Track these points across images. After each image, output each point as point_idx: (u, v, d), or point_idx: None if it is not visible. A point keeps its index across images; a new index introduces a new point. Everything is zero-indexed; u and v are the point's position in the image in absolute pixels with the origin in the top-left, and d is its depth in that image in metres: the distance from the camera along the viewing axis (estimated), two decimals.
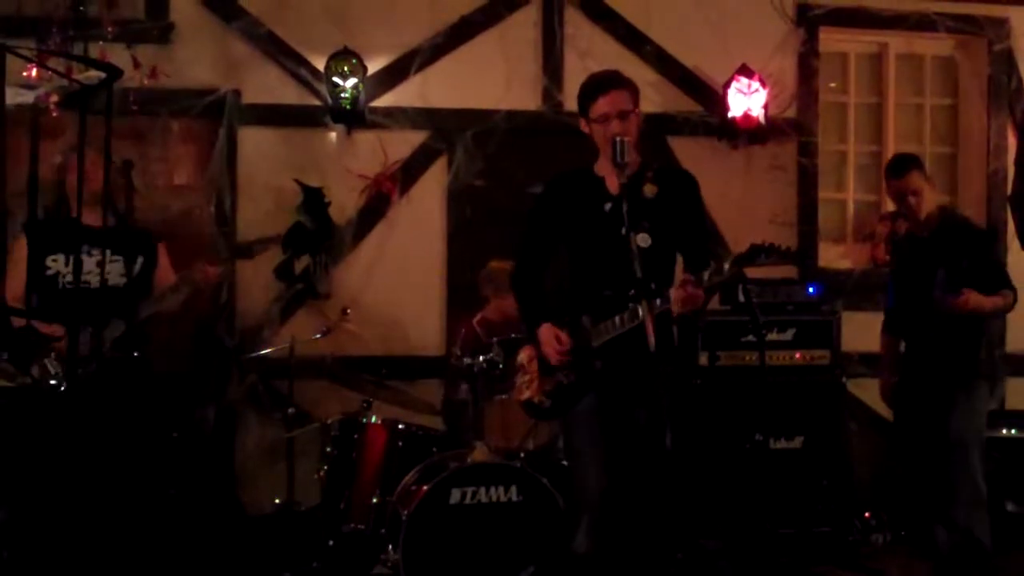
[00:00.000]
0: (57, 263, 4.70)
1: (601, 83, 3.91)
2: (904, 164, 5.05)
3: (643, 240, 3.57)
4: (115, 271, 4.72)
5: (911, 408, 5.03)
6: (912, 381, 5.04)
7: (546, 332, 3.91)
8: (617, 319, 3.77)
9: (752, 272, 5.92)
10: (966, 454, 4.81)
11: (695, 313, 3.74)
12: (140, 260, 4.85)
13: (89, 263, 4.65)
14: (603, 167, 3.97)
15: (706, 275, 3.67)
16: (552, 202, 4.05)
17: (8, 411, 4.36)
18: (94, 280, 4.58)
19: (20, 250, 4.70)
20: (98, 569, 4.10)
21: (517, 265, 4.18)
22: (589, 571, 3.87)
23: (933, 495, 4.89)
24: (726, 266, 3.66)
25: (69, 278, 4.64)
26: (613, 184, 3.90)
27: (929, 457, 4.89)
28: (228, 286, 6.17)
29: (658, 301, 3.65)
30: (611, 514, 3.87)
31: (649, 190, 3.67)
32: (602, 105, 3.85)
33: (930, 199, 5.01)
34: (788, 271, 6.52)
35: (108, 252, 4.61)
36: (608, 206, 3.88)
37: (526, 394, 4.04)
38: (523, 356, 4.11)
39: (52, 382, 4.40)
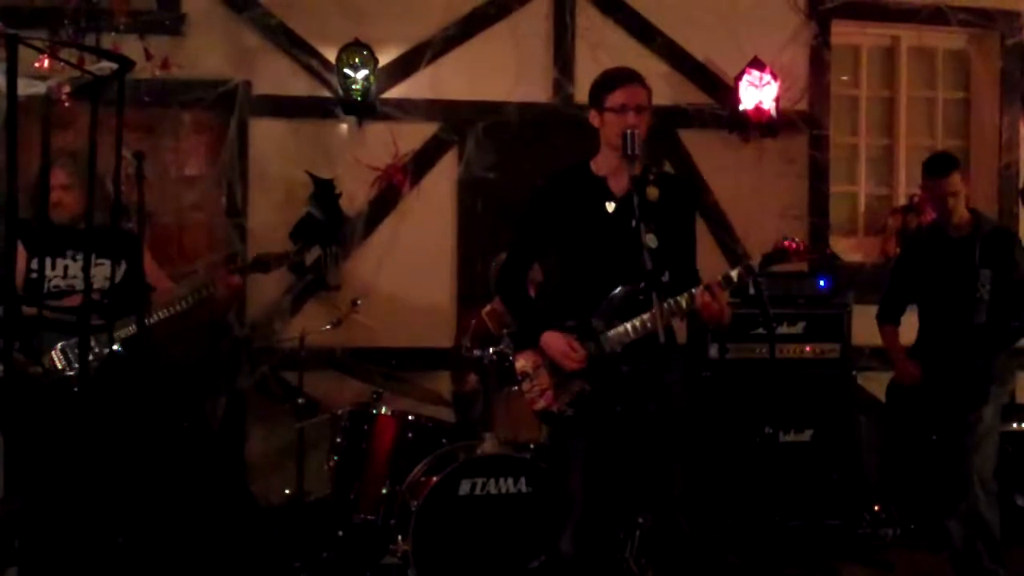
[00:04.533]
0: (43, 267, 4.61)
1: (623, 75, 3.87)
2: (946, 164, 5.00)
3: (651, 240, 3.53)
4: (100, 275, 4.68)
5: (936, 401, 4.98)
6: (940, 373, 4.98)
7: (557, 340, 3.82)
8: (631, 324, 3.75)
9: None
10: (990, 445, 4.86)
11: (719, 326, 3.75)
12: (123, 264, 4.77)
13: (74, 267, 4.65)
14: (603, 165, 3.93)
15: (734, 273, 3.70)
16: (550, 204, 3.97)
17: (19, 400, 4.37)
18: (79, 284, 4.56)
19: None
20: (109, 559, 4.11)
21: (507, 267, 4.11)
22: (573, 573, 3.90)
23: (947, 488, 4.88)
24: (754, 264, 3.73)
25: (55, 282, 4.60)
26: (616, 184, 3.88)
27: (948, 450, 4.88)
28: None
29: (683, 301, 3.68)
30: (594, 519, 3.90)
31: (652, 193, 3.62)
32: (620, 96, 3.80)
33: (963, 201, 4.99)
34: (799, 264, 6.53)
35: (93, 256, 4.57)
36: (612, 206, 3.85)
37: (541, 404, 3.90)
38: (525, 364, 3.94)
39: (62, 370, 4.42)
